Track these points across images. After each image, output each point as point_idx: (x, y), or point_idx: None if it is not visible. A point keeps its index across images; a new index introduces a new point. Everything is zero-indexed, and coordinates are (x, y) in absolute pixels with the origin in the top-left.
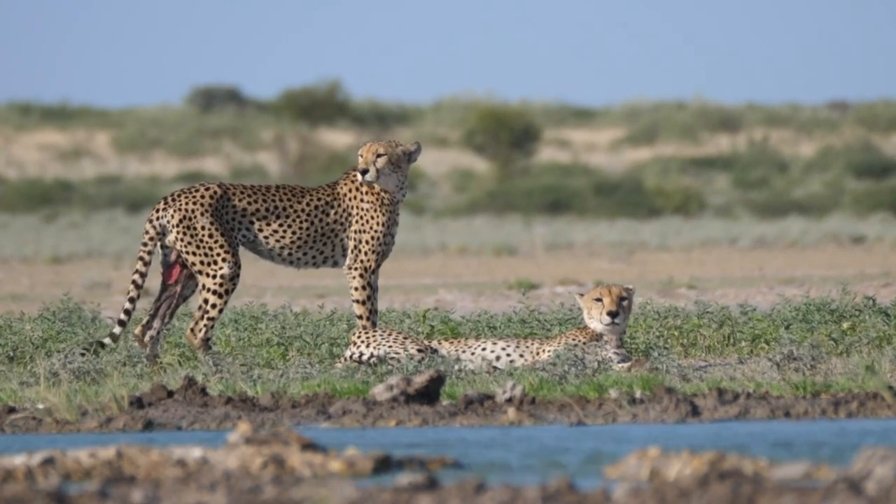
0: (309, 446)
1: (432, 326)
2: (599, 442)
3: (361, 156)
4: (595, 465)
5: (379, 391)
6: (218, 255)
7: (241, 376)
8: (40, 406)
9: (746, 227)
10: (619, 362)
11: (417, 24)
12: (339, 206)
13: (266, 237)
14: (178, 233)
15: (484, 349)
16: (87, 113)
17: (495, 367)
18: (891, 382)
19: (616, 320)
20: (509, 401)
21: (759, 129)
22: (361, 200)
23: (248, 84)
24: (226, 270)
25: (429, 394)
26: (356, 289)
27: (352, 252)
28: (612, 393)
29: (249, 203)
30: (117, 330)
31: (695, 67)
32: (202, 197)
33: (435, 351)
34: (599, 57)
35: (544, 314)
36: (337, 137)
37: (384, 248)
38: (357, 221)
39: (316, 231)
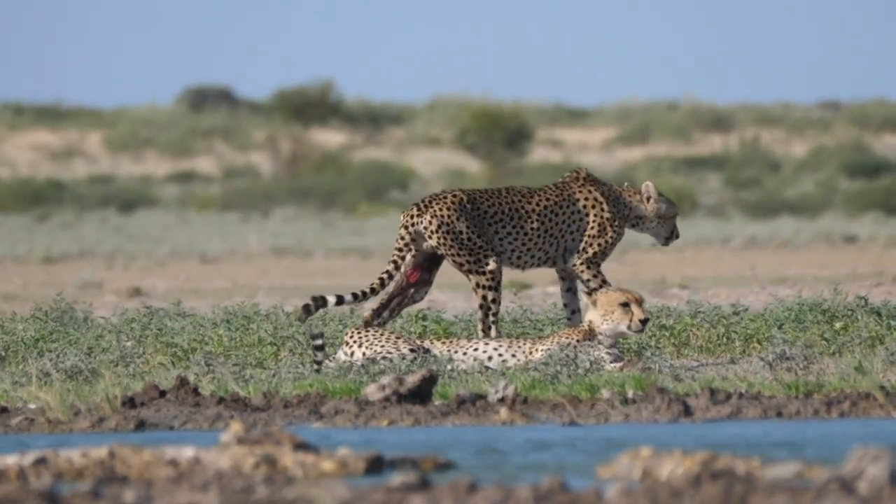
0: (301, 446)
1: (424, 326)
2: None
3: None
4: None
5: (371, 391)
6: (481, 252)
7: (232, 376)
8: (33, 406)
9: (738, 226)
10: (611, 362)
11: (410, 24)
12: (571, 210)
13: (501, 239)
14: (439, 238)
15: (476, 349)
16: (79, 113)
17: (487, 367)
18: (883, 382)
19: (645, 326)
20: (501, 400)
21: (750, 129)
22: (602, 210)
23: (241, 84)
24: (493, 265)
25: (421, 394)
26: (589, 280)
27: (582, 251)
28: (605, 393)
29: (490, 206)
30: (348, 297)
31: (687, 67)
32: (452, 203)
33: (427, 351)
34: (592, 57)
35: (536, 314)
36: (329, 137)
37: (610, 250)
38: (593, 229)
39: (545, 231)
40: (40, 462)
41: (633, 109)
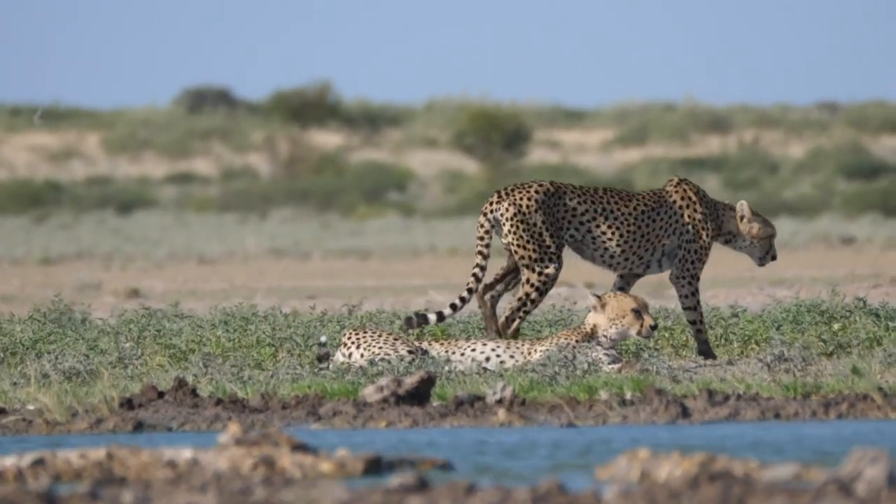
0: (299, 447)
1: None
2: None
3: None
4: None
5: (369, 392)
6: (546, 253)
7: (231, 377)
8: (31, 407)
9: None
10: (609, 363)
11: (408, 25)
12: (667, 212)
13: (594, 238)
14: (511, 226)
15: (474, 349)
16: (77, 114)
17: (485, 369)
18: (880, 383)
19: (654, 332)
20: (500, 402)
21: (749, 130)
22: (695, 211)
23: (239, 85)
24: (551, 270)
25: (419, 395)
26: (687, 296)
27: (679, 261)
28: (603, 394)
29: (580, 203)
30: (447, 311)
31: (685, 68)
32: (536, 193)
33: (425, 352)
34: (589, 58)
35: (534, 315)
36: (327, 138)
37: (706, 256)
38: (688, 231)
39: (641, 235)
40: (38, 463)
41: (631, 110)
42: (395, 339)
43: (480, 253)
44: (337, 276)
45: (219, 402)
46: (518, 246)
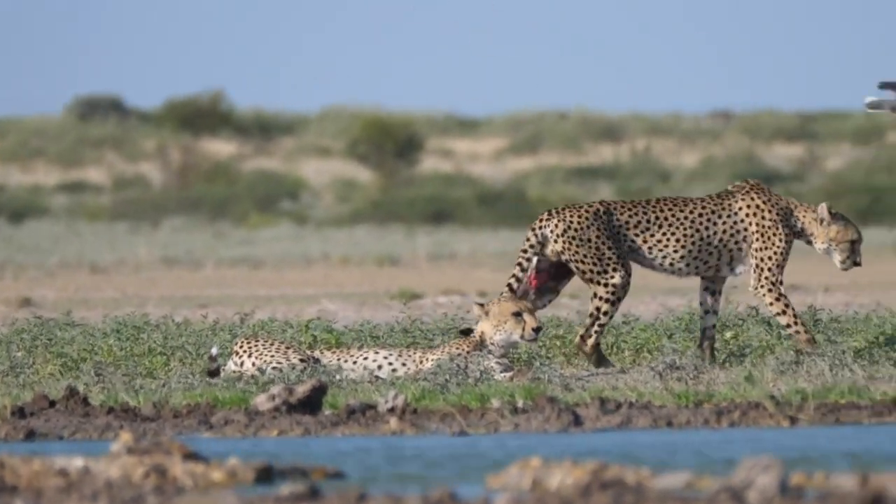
0: (191, 456)
1: (314, 336)
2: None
3: None
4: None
5: (261, 401)
6: (608, 264)
7: (122, 386)
8: None
9: None
10: (501, 372)
11: (300, 34)
12: (731, 218)
13: (651, 247)
14: (564, 242)
15: (366, 358)
16: None
17: (377, 377)
18: (772, 392)
19: (538, 334)
20: (391, 410)
21: (641, 139)
22: (763, 218)
23: (131, 93)
24: (617, 280)
25: (311, 403)
26: (772, 303)
27: (755, 271)
28: (495, 402)
29: (631, 216)
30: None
31: (577, 77)
32: (586, 211)
33: (317, 361)
34: (482, 67)
35: (427, 324)
36: (220, 147)
37: (785, 260)
38: (758, 240)
39: (701, 240)
40: None
41: (524, 119)
42: (287, 348)
43: (519, 265)
44: (229, 285)
45: (110, 410)
46: (577, 261)
